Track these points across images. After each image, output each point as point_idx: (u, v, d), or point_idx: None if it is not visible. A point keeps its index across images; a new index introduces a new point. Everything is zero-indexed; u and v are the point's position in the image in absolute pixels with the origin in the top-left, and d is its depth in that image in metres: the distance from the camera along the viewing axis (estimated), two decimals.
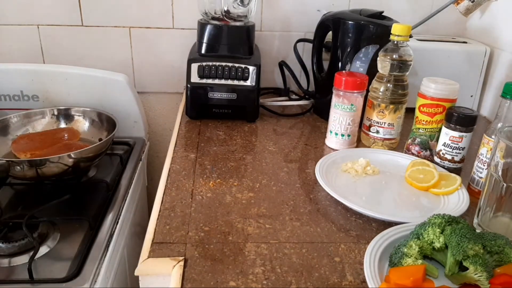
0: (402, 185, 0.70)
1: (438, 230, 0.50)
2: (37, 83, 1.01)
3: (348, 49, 0.88)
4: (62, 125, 0.99)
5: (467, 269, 0.47)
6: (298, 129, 0.92)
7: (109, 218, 0.75)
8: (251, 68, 0.89)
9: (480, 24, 1.10)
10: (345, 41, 0.88)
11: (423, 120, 0.75)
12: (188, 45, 1.03)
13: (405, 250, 0.49)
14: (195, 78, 0.89)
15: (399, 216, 0.59)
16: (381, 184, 0.70)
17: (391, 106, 0.79)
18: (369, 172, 0.72)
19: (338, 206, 0.63)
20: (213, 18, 0.95)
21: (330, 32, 0.92)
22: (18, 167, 0.76)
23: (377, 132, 0.82)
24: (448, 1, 0.99)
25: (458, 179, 0.67)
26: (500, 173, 0.55)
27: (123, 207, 0.80)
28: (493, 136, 0.63)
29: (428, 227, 0.51)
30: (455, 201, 0.64)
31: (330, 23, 0.91)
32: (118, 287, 0.73)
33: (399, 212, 0.62)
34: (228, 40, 0.92)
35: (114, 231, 0.73)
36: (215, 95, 0.90)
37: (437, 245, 0.49)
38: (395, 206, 0.65)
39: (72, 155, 0.78)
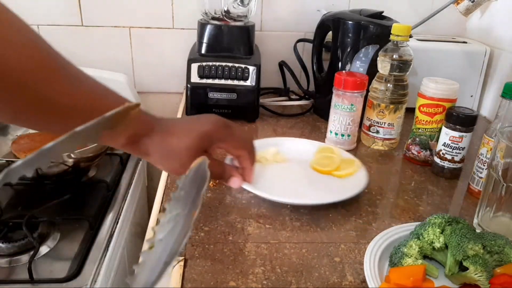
0: (309, 171, 0.72)
1: (438, 230, 0.50)
2: None
3: (348, 49, 0.88)
4: None
5: (467, 269, 0.47)
6: (298, 129, 0.92)
7: (109, 218, 0.75)
8: (251, 68, 0.89)
9: (480, 24, 1.10)
10: (345, 41, 0.88)
11: (423, 120, 0.75)
12: (188, 45, 1.03)
13: (405, 250, 0.49)
14: (195, 78, 0.89)
15: (306, 199, 0.62)
16: (290, 171, 0.72)
17: (391, 106, 0.79)
18: (279, 160, 0.74)
19: (338, 206, 0.63)
20: (213, 18, 0.95)
21: (330, 32, 0.93)
22: None
23: (377, 132, 0.82)
24: (448, 1, 0.99)
25: (356, 161, 0.72)
26: (500, 173, 0.55)
27: (123, 207, 0.80)
28: (493, 136, 0.63)
29: (428, 227, 0.51)
30: (355, 182, 0.67)
31: (330, 23, 0.91)
32: (118, 287, 0.73)
33: (306, 195, 0.64)
34: (228, 40, 0.93)
35: (114, 231, 0.73)
36: (215, 95, 0.90)
37: (437, 245, 0.50)
38: (303, 190, 0.67)
39: (72, 155, 0.78)
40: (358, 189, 0.64)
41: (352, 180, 0.68)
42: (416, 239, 0.50)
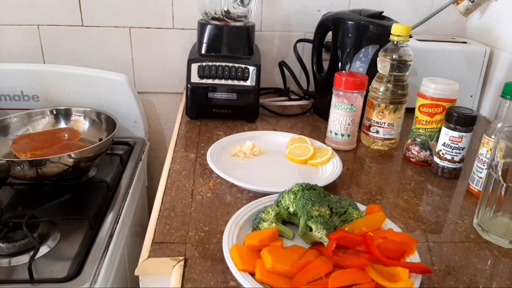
0: (285, 161, 0.77)
1: (293, 196, 0.54)
2: (37, 83, 1.01)
3: (348, 49, 0.88)
4: (62, 125, 0.99)
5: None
6: (298, 129, 0.92)
7: (109, 218, 0.75)
8: (251, 68, 0.89)
9: (480, 24, 1.10)
10: (345, 41, 0.88)
11: (423, 120, 0.75)
12: (188, 45, 1.03)
13: (263, 215, 0.53)
14: (195, 78, 0.89)
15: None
16: (268, 163, 0.76)
17: (391, 106, 0.79)
18: (256, 153, 0.77)
19: None
20: (213, 18, 0.95)
21: (330, 32, 0.93)
22: (18, 167, 0.76)
23: (377, 132, 0.82)
24: (448, 1, 0.99)
25: (329, 149, 0.76)
26: (500, 173, 0.55)
27: (123, 207, 0.80)
28: (493, 136, 0.63)
29: (286, 194, 0.55)
30: (331, 169, 0.72)
31: (330, 23, 0.91)
32: (118, 287, 0.73)
33: (287, 184, 0.64)
34: (228, 40, 0.92)
35: (114, 231, 0.73)
36: (215, 95, 0.90)
37: (291, 209, 0.54)
38: (282, 179, 0.70)
39: (72, 155, 0.78)
40: (335, 177, 0.68)
41: (327, 168, 0.73)
42: (275, 206, 0.55)
